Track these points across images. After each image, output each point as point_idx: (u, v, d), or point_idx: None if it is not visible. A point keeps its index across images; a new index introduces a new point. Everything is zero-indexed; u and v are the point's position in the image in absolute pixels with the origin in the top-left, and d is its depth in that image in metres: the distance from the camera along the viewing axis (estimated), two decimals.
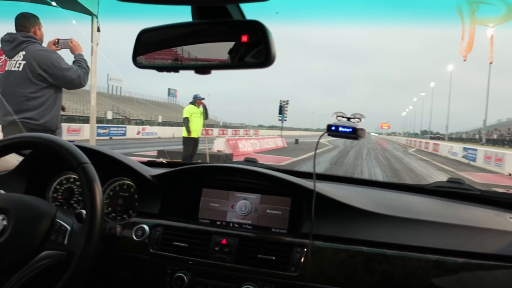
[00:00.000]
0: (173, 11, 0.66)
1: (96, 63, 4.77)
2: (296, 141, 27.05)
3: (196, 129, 8.22)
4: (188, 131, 8.14)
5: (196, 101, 8.26)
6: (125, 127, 26.44)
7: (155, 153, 11.65)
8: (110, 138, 22.55)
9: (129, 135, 25.17)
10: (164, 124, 47.36)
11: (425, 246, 0.95)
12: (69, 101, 48.15)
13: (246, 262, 1.02)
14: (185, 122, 8.17)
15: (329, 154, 17.72)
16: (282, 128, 30.82)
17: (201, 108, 8.24)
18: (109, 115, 41.41)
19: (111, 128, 24.44)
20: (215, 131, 41.35)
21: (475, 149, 18.02)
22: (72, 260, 0.88)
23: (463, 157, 18.97)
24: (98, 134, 21.81)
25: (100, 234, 0.91)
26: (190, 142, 8.19)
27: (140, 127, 28.48)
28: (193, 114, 8.15)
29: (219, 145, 13.81)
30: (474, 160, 17.28)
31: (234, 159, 11.07)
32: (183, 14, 0.69)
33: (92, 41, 4.57)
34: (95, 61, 4.73)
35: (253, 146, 17.11)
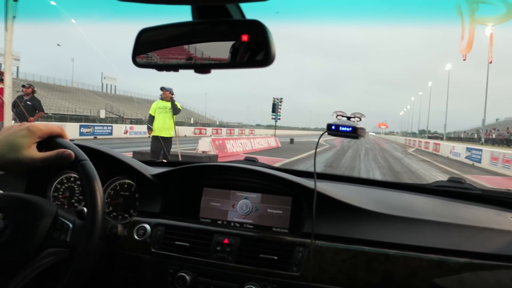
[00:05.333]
0: (173, 10, 0.65)
1: (12, 42, 3.59)
2: (291, 141, 26.11)
3: (159, 126, 6.95)
4: (148, 129, 7.12)
5: (162, 93, 7.01)
6: (111, 126, 25.27)
7: (130, 154, 10.55)
8: (95, 137, 21.50)
9: (116, 134, 23.91)
10: None
11: (426, 245, 0.94)
12: (61, 99, 47.31)
13: (248, 261, 1.01)
14: (148, 120, 7.10)
15: (324, 155, 16.76)
16: (276, 127, 29.82)
17: (169, 104, 7.01)
18: (102, 114, 40.85)
19: (96, 127, 23.39)
20: (209, 130, 40.35)
21: (480, 150, 17.02)
22: (75, 257, 0.87)
23: (466, 157, 18.07)
24: (81, 134, 20.78)
25: (101, 230, 0.89)
26: (154, 141, 7.10)
27: (128, 126, 27.42)
28: (157, 109, 6.98)
29: (204, 146, 12.68)
30: (479, 161, 16.32)
31: (220, 160, 9.99)
32: (183, 14, 0.68)
33: (6, 13, 3.40)
34: (10, 38, 3.53)
35: (243, 146, 16.04)
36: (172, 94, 7.01)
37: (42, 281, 0.89)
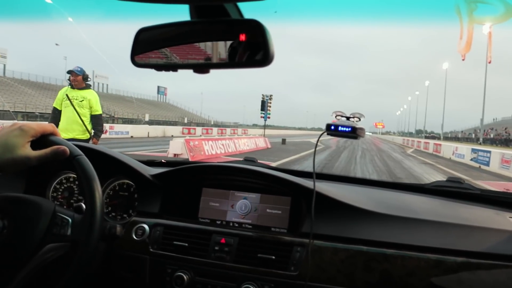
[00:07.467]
0: (171, 10, 0.65)
1: None
2: (283, 141, 24.46)
3: (65, 125, 4.61)
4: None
5: (71, 77, 4.69)
6: None
7: None
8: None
9: None
10: (151, 122, 45.51)
11: (424, 245, 0.95)
12: (50, 98, 45.59)
13: (246, 261, 1.01)
14: (51, 114, 4.82)
15: (317, 157, 15.12)
16: (265, 126, 28.14)
17: (84, 92, 4.70)
18: None
19: None
20: (198, 130, 38.72)
21: (488, 151, 15.56)
22: (77, 249, 0.87)
23: (472, 160, 16.60)
24: None
25: (101, 222, 0.89)
26: None
27: (108, 125, 25.63)
28: (64, 101, 4.69)
29: (175, 148, 10.98)
30: (487, 164, 14.87)
31: None
32: (181, 13, 0.68)
33: None
34: None
35: (225, 148, 14.42)
36: (87, 79, 4.81)
37: (46, 276, 0.89)
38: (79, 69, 4.70)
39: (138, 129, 29.21)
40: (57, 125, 4.43)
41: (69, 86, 4.76)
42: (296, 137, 41.78)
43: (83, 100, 4.67)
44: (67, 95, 4.66)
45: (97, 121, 4.78)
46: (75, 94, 4.69)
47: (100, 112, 4.82)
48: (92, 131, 4.72)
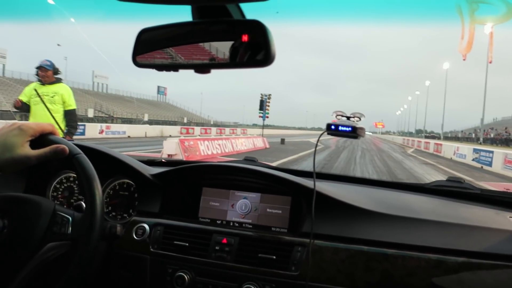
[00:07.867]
0: (173, 10, 0.65)
1: None
2: (282, 141, 24.16)
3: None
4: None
5: (39, 73, 4.23)
6: (84, 125, 22.94)
7: None
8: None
9: (89, 134, 21.31)
10: (151, 122, 45.22)
11: (425, 245, 0.95)
12: None
13: (247, 261, 1.02)
14: (21, 110, 4.35)
15: (316, 157, 14.82)
16: (263, 126, 27.76)
17: (55, 87, 4.27)
18: (90, 113, 39.65)
19: None
20: (197, 129, 38.42)
21: (491, 151, 15.23)
22: (77, 248, 0.87)
23: (473, 160, 16.30)
24: None
25: (101, 220, 0.89)
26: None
27: (104, 124, 25.35)
28: (33, 97, 4.21)
29: (170, 148, 10.64)
30: (489, 165, 14.55)
31: None
32: (183, 14, 0.68)
33: None
34: None
35: (222, 148, 14.14)
36: (58, 72, 4.35)
37: (46, 275, 0.89)
38: (49, 63, 4.26)
39: (135, 128, 28.91)
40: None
41: (38, 82, 4.32)
42: (295, 137, 41.57)
43: (54, 96, 4.24)
44: (36, 90, 4.21)
45: (71, 117, 4.37)
46: (46, 90, 4.24)
47: (74, 106, 4.41)
48: (66, 128, 4.30)
